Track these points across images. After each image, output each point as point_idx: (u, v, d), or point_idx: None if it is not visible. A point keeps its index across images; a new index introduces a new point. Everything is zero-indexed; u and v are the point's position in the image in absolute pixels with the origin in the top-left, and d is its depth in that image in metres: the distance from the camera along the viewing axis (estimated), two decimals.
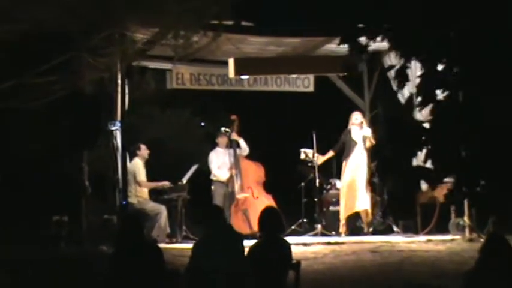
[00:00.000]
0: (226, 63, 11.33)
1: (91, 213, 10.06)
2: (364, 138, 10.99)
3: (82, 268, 8.11)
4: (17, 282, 7.55)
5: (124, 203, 9.98)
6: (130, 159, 10.59)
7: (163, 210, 10.57)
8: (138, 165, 10.69)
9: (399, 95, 11.05)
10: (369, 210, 11.04)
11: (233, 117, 11.35)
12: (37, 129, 10.50)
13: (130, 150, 10.43)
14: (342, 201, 11.14)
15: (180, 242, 10.42)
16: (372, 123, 11.50)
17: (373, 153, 10.53)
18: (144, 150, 10.79)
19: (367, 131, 11.02)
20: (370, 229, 11.15)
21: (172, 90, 12.14)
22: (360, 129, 11.05)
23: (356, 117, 11.13)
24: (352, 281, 7.95)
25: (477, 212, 10.14)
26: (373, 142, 10.85)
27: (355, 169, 11.02)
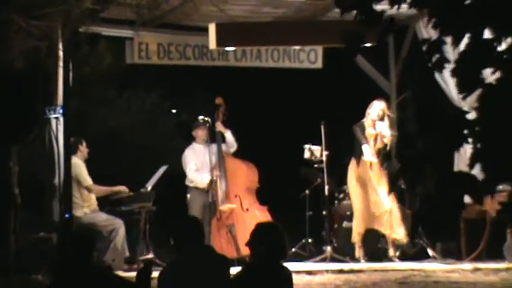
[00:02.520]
0: (206, 31, 11.36)
1: (22, 230, 10.00)
2: (375, 136, 10.97)
3: None
4: None
5: (67, 216, 10.01)
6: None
7: (120, 225, 10.58)
8: (79, 166, 10.72)
9: (438, 77, 11.01)
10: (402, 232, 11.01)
11: (218, 101, 11.38)
12: None
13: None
14: (356, 213, 11.10)
15: None
16: (399, 111, 11.48)
17: (398, 151, 10.57)
18: (83, 148, 10.89)
19: (382, 126, 10.96)
20: (397, 253, 11.15)
21: (133, 66, 12.14)
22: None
23: (376, 109, 11.03)
24: None
25: None
26: (385, 142, 10.87)
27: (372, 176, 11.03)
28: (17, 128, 10.15)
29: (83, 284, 5.96)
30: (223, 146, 11.34)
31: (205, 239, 7.01)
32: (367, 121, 11.10)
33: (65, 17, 9.87)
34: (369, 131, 11.09)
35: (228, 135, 11.34)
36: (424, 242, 11.37)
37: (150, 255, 10.58)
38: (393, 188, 10.57)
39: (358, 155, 11.13)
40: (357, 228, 11.13)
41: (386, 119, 11.07)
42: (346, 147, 11.39)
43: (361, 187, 11.11)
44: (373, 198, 11.06)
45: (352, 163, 11.21)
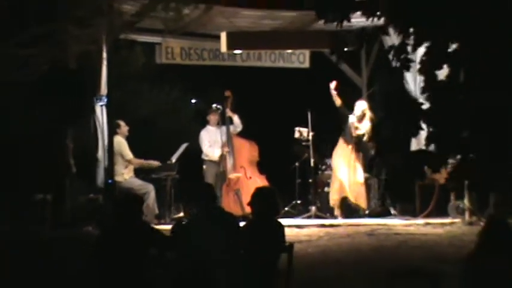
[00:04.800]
0: (218, 38, 11.40)
1: (76, 192, 10.06)
2: (350, 125, 11.00)
3: (69, 250, 8.10)
4: None
5: (110, 182, 10.08)
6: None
7: (151, 189, 10.63)
8: (122, 143, 10.73)
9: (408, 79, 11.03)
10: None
11: (227, 93, 11.38)
12: (18, 104, 10.46)
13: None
14: (336, 184, 11.15)
15: (169, 223, 10.42)
16: (369, 101, 11.52)
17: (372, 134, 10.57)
18: (123, 127, 10.83)
19: (352, 118, 10.99)
20: (367, 211, 11.21)
21: (161, 65, 12.14)
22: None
23: (359, 108, 11.05)
24: (347, 264, 7.94)
25: (477, 195, 10.18)
26: (358, 134, 10.89)
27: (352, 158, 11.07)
28: (72, 113, 10.19)
29: (132, 234, 6.01)
30: (231, 127, 11.37)
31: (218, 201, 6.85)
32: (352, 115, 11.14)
33: (108, 27, 9.88)
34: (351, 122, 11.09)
35: (236, 118, 11.37)
36: (388, 203, 11.47)
37: (181, 214, 10.67)
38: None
39: (347, 134, 11.13)
40: (333, 196, 11.17)
41: (367, 116, 11.07)
42: (329, 131, 11.41)
43: (343, 162, 11.18)
44: (349, 172, 11.11)
45: (340, 142, 11.21)
